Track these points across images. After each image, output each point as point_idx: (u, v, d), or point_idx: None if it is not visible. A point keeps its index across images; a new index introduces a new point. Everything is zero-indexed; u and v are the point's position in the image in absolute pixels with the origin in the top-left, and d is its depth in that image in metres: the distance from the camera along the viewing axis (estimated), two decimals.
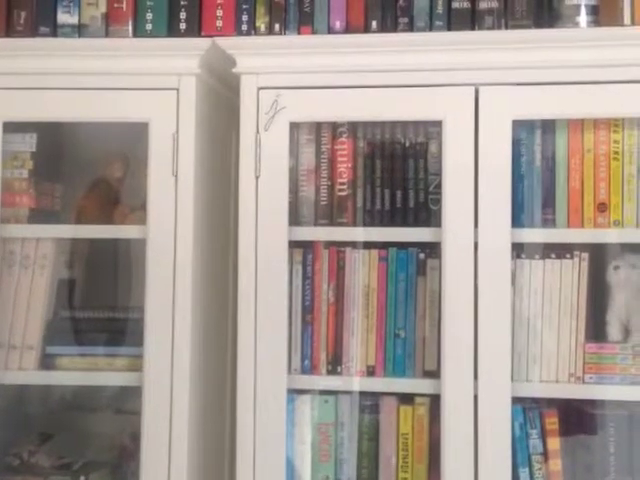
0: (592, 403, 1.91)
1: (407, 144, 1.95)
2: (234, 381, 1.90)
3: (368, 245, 1.95)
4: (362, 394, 1.94)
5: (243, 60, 1.90)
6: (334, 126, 1.96)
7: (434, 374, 1.89)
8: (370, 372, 1.93)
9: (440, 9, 1.89)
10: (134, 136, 1.99)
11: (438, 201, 1.88)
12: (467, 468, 1.81)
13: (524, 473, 1.85)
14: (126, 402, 2.10)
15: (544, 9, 1.88)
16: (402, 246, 1.94)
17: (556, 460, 1.87)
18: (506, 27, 1.88)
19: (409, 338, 1.92)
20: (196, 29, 1.97)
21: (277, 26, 1.94)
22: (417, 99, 1.87)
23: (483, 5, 1.87)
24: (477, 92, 1.84)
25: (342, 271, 1.95)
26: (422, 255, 1.93)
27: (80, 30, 1.98)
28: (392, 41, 1.89)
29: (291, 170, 1.93)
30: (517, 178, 1.88)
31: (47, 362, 2.03)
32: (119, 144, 2.11)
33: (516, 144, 1.87)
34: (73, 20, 1.99)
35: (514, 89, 1.84)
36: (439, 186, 1.88)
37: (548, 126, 1.90)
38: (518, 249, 1.88)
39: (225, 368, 2.09)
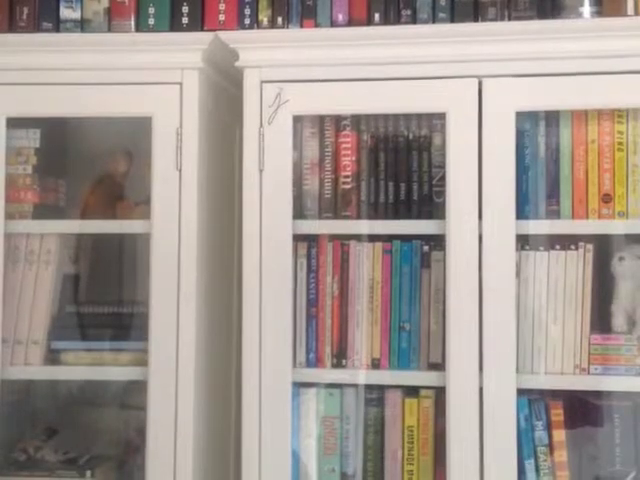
0: (597, 394, 1.91)
1: (411, 137, 1.95)
2: (239, 375, 1.90)
3: (372, 238, 1.95)
4: (367, 387, 1.94)
5: (246, 54, 1.90)
6: (337, 119, 1.96)
7: (439, 366, 1.89)
8: (375, 365, 1.93)
9: (443, 1, 1.89)
10: (137, 131, 1.99)
11: (442, 193, 1.89)
12: (473, 460, 1.81)
13: (529, 465, 1.85)
14: (131, 397, 2.10)
15: (547, 0, 1.87)
16: (406, 239, 1.93)
17: (561, 451, 1.87)
18: (509, 18, 1.88)
19: (414, 331, 1.92)
20: (199, 23, 1.97)
21: (280, 19, 1.95)
22: (420, 91, 1.87)
23: None
24: (481, 84, 1.84)
25: (346, 264, 1.95)
26: (426, 247, 1.93)
27: (83, 25, 1.99)
28: (395, 34, 1.89)
29: (295, 163, 1.93)
30: (521, 170, 1.88)
31: (52, 357, 2.03)
32: (123, 139, 2.11)
33: (520, 136, 1.87)
34: (76, 15, 1.99)
35: (518, 81, 1.84)
36: (443, 178, 1.88)
37: (552, 117, 1.90)
38: (522, 241, 1.88)
39: (230, 362, 2.09)
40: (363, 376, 1.94)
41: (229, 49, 1.91)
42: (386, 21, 1.91)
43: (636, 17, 1.85)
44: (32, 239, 2.04)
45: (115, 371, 2.02)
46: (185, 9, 1.97)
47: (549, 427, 1.87)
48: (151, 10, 1.98)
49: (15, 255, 2.03)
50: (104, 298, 2.14)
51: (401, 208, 1.94)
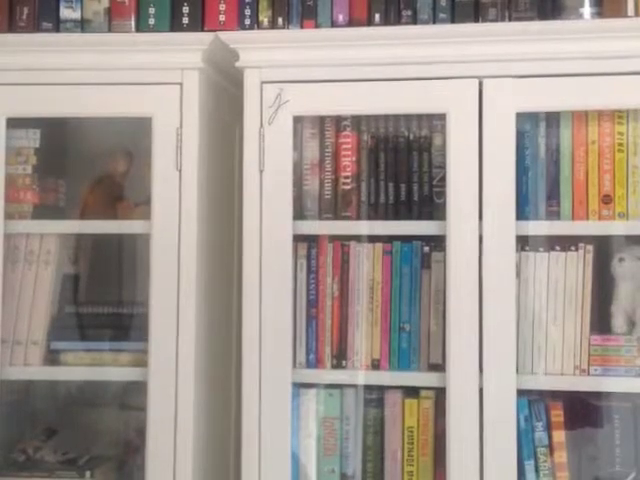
0: (597, 395, 1.91)
1: (411, 137, 1.95)
2: (239, 376, 1.90)
3: (372, 239, 1.95)
4: (367, 388, 1.94)
5: (246, 54, 1.90)
6: (338, 120, 1.96)
7: (439, 367, 1.89)
8: (375, 366, 1.93)
9: (443, 2, 1.89)
10: (138, 131, 1.99)
11: (442, 194, 1.88)
12: (473, 461, 1.81)
13: (529, 465, 1.85)
14: (131, 397, 2.10)
15: (548, 1, 1.88)
16: (406, 239, 1.93)
17: (561, 452, 1.87)
18: (510, 19, 1.88)
19: (414, 331, 1.92)
20: (199, 23, 1.97)
21: (280, 20, 1.95)
22: (421, 92, 1.87)
23: None
24: (481, 84, 1.84)
25: (346, 265, 1.95)
26: (427, 248, 1.93)
27: (83, 25, 1.99)
28: (395, 34, 1.89)
29: (295, 164, 1.93)
30: (521, 170, 1.88)
31: (52, 357, 2.03)
32: (123, 139, 2.11)
33: (520, 136, 1.87)
34: (76, 15, 1.99)
35: (518, 81, 1.83)
36: (443, 179, 1.88)
37: (552, 118, 1.90)
38: (523, 242, 1.88)
39: (230, 362, 2.09)
40: (363, 377, 1.94)
41: (229, 49, 1.91)
42: (386, 22, 1.91)
43: (636, 18, 1.85)
44: (32, 239, 2.04)
45: (115, 372, 2.02)
46: (185, 9, 1.97)
47: (549, 428, 1.87)
48: (151, 10, 1.98)
49: (15, 255, 2.02)
50: (104, 298, 2.14)
51: (401, 209, 1.94)
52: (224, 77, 2.04)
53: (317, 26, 1.93)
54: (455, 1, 1.89)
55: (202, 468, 1.96)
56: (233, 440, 2.08)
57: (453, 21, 1.89)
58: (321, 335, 1.94)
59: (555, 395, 1.90)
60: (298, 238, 1.93)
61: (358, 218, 1.96)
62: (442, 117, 1.87)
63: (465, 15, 1.88)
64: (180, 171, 1.92)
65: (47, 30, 1.98)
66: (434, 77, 1.86)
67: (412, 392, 1.92)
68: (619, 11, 1.85)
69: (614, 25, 1.83)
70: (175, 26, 1.97)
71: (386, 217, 1.94)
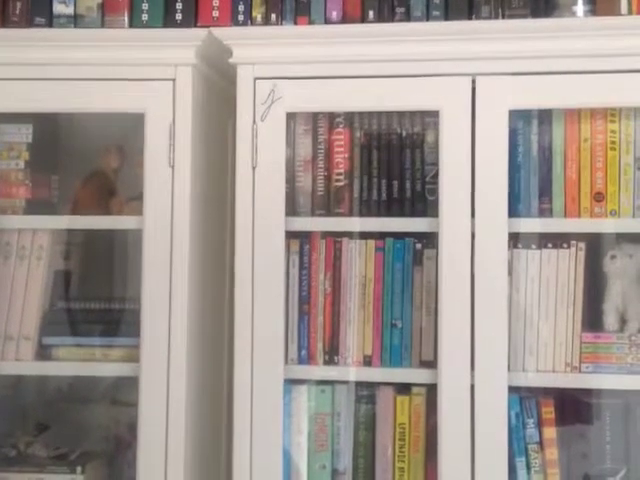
0: (588, 392, 1.92)
1: (404, 134, 1.95)
2: (231, 371, 1.90)
3: (365, 235, 1.95)
4: (359, 384, 1.94)
5: (239, 50, 1.90)
6: (331, 116, 1.96)
7: (431, 364, 1.89)
8: (367, 362, 1.93)
9: None
10: (130, 127, 1.98)
11: (435, 191, 1.89)
12: (464, 458, 1.81)
13: (520, 462, 1.86)
14: (122, 393, 2.10)
15: None
16: (399, 236, 1.93)
17: (552, 449, 1.87)
18: (503, 17, 1.88)
19: (406, 328, 1.92)
20: (192, 19, 1.97)
21: (273, 16, 1.94)
22: (414, 89, 1.87)
23: None
24: (474, 82, 1.84)
25: (339, 261, 1.95)
26: (419, 245, 1.93)
27: (76, 20, 1.98)
28: (389, 31, 1.89)
29: (288, 160, 1.93)
30: (514, 168, 1.88)
31: (44, 353, 2.03)
32: (115, 135, 2.11)
33: (513, 134, 1.87)
34: (69, 10, 1.98)
35: (511, 79, 1.84)
36: (436, 176, 1.88)
37: (545, 116, 1.90)
38: (515, 239, 1.88)
39: (222, 358, 2.09)
40: (354, 373, 1.94)
41: (223, 45, 1.91)
42: (380, 18, 1.91)
43: (630, 16, 1.85)
44: (24, 234, 2.04)
45: (106, 367, 2.02)
46: (179, 5, 1.96)
47: (540, 425, 1.87)
48: (145, 6, 1.97)
49: (7, 250, 2.03)
50: (96, 294, 2.14)
51: (394, 206, 1.94)
52: (217, 73, 2.04)
53: (310, 23, 1.93)
54: None
55: (193, 464, 1.96)
56: (224, 436, 2.08)
57: (446, 18, 1.89)
58: (313, 331, 1.94)
59: (546, 392, 1.90)
60: (290, 234, 1.93)
61: (350, 215, 1.96)
62: (435, 114, 1.87)
63: (458, 12, 1.88)
64: (173, 167, 1.92)
65: (40, 25, 1.98)
66: (427, 74, 1.86)
67: (404, 389, 1.92)
68: (612, 9, 1.85)
69: (607, 23, 1.83)
70: (168, 22, 1.96)
71: (378, 214, 1.94)
